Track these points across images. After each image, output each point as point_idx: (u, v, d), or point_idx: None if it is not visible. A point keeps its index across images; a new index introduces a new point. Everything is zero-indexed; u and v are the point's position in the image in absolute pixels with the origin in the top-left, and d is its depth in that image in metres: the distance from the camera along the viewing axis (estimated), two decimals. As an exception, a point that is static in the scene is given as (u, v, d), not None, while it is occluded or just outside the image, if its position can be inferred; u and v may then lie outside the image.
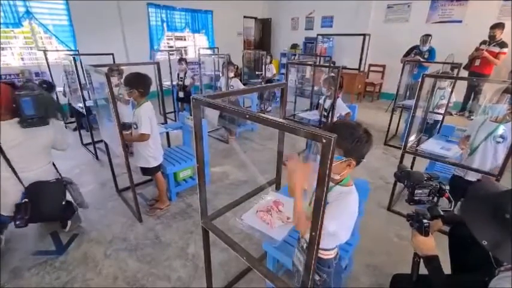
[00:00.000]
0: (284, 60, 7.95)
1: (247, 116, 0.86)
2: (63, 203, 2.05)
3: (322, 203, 0.75)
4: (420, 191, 1.10)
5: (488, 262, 1.05)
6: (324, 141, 0.68)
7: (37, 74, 5.13)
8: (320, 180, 0.72)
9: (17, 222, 1.82)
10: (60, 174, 2.13)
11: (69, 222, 2.22)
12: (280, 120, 0.77)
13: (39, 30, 5.17)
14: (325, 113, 3.10)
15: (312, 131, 0.71)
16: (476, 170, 2.05)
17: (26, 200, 1.86)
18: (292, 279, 1.37)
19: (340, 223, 1.03)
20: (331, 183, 1.09)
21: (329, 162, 0.70)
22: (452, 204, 1.11)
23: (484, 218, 0.86)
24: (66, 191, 2.08)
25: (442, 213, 1.06)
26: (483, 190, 0.97)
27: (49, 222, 2.25)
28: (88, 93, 3.74)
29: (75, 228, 2.27)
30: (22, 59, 5.20)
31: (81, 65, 3.37)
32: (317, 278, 1.15)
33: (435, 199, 1.12)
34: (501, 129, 1.97)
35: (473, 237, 0.98)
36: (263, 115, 0.79)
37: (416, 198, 1.11)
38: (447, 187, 1.10)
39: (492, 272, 0.97)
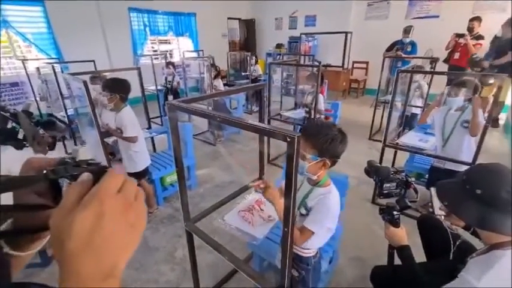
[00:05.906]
0: (270, 60, 7.99)
1: (218, 119, 0.89)
2: None
3: (292, 200, 0.78)
4: (388, 185, 1.16)
5: (451, 248, 1.14)
6: (288, 140, 0.71)
7: (16, 84, 5.01)
8: (288, 176, 0.76)
9: None
10: None
11: None
12: (247, 122, 0.80)
13: (17, 38, 5.05)
14: (307, 109, 3.16)
15: (276, 131, 0.74)
16: (451, 160, 2.12)
17: None
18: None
19: (322, 226, 1.06)
20: (309, 186, 1.12)
21: (295, 160, 0.73)
22: (418, 194, 1.16)
23: (446, 183, 1.03)
24: None
25: (409, 204, 1.11)
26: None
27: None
28: (69, 102, 3.68)
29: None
30: (1, 68, 5.07)
31: (62, 73, 3.33)
32: (296, 274, 1.18)
33: (402, 191, 1.17)
34: (466, 115, 2.08)
35: (438, 226, 1.07)
36: (230, 117, 0.81)
37: (385, 191, 1.17)
38: (413, 179, 1.16)
39: (456, 258, 1.04)
